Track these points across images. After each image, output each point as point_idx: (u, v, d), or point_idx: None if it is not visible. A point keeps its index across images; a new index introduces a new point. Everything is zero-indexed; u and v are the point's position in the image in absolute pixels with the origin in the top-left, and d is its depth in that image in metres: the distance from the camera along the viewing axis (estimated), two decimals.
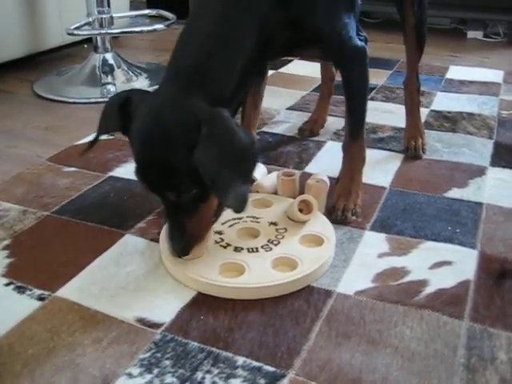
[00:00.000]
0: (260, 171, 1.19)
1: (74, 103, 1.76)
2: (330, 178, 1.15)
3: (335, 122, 1.54)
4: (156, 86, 0.90)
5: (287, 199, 1.10)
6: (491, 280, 0.91)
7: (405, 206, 1.13)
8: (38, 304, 0.86)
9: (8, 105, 1.75)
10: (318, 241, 0.98)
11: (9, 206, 1.14)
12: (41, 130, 1.55)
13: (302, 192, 1.10)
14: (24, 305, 0.86)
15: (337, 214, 1.07)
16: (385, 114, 1.61)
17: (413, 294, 0.88)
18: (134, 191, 1.18)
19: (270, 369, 0.74)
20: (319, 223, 1.02)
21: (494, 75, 1.97)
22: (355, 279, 0.92)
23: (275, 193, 1.14)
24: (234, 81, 0.88)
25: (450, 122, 1.56)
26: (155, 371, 0.74)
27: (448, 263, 0.96)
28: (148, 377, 0.73)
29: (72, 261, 0.96)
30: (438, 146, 1.40)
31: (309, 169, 1.28)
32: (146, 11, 2.40)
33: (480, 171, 1.28)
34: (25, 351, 0.77)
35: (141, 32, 2.12)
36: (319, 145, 1.41)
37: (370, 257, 0.97)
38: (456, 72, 2.01)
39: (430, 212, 1.11)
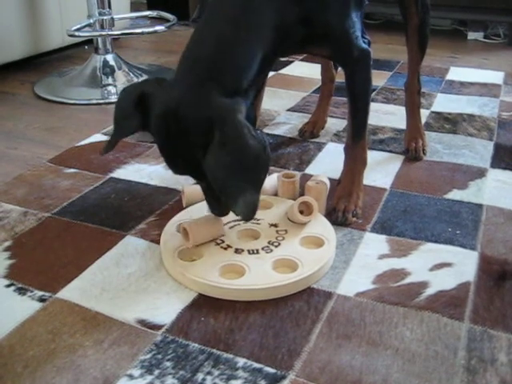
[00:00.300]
0: None
1: (75, 104, 1.76)
2: (330, 179, 1.15)
3: (335, 123, 1.54)
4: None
5: (288, 201, 1.10)
6: (491, 281, 0.92)
7: (405, 207, 1.13)
8: (38, 305, 0.86)
9: (9, 106, 1.75)
10: (318, 242, 0.98)
11: (10, 207, 1.14)
12: (42, 132, 1.55)
13: (302, 193, 1.11)
14: (25, 306, 0.86)
15: (337, 216, 1.07)
16: (385, 115, 1.61)
17: (413, 296, 0.88)
18: (134, 193, 1.19)
19: (271, 370, 0.74)
20: (320, 225, 1.02)
21: (495, 76, 1.97)
22: (355, 281, 0.92)
23: (276, 194, 1.14)
24: (252, 71, 0.88)
25: (450, 123, 1.56)
26: (156, 372, 0.74)
27: (448, 265, 0.96)
28: (149, 378, 0.73)
29: (73, 262, 0.96)
30: (439, 147, 1.40)
31: (309, 170, 1.29)
32: (147, 13, 2.40)
33: (480, 173, 1.28)
34: (26, 352, 0.77)
35: (141, 33, 2.13)
36: (319, 146, 1.41)
37: (370, 258, 0.97)
38: (456, 73, 2.01)
39: (430, 213, 1.11)
